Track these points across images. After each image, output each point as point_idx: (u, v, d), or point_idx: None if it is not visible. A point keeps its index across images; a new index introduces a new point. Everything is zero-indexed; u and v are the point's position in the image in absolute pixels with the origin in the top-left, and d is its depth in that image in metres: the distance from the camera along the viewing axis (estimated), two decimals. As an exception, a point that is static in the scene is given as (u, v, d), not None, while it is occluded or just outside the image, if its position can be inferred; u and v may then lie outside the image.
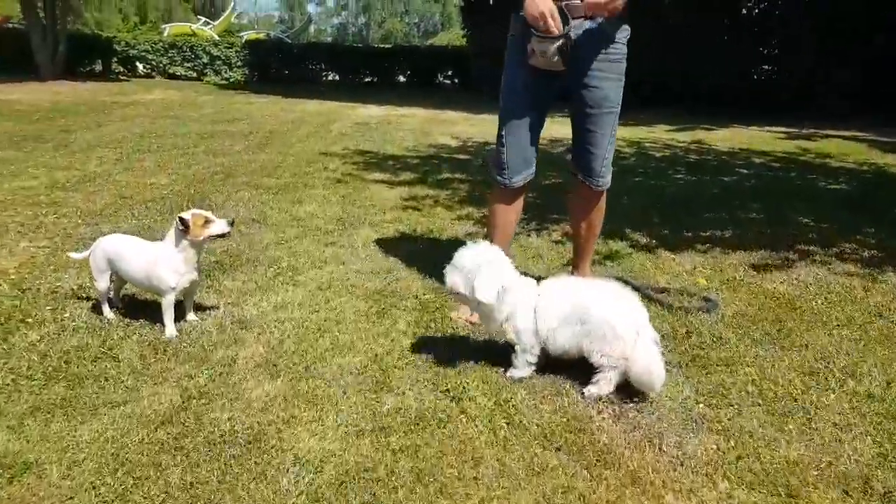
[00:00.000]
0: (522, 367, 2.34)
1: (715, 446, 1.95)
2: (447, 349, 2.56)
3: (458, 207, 4.88)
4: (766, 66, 14.07)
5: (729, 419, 2.09)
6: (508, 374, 2.35)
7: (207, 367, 2.40)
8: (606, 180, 2.92)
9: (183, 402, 2.17)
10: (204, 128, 8.75)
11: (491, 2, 15.96)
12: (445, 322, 2.81)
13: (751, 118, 11.05)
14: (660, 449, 1.93)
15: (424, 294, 3.12)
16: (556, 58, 2.55)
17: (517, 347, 2.33)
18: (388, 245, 3.89)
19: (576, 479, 1.80)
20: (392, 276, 3.37)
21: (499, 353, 2.45)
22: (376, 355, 2.52)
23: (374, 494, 1.74)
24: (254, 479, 1.79)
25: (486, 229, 3.16)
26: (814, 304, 3.08)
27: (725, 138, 9.25)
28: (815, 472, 1.84)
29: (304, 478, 1.79)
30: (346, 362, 2.46)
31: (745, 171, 6.78)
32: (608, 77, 2.72)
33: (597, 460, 1.88)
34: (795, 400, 2.21)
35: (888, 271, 3.52)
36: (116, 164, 6.09)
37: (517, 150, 2.84)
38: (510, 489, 1.77)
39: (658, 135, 9.32)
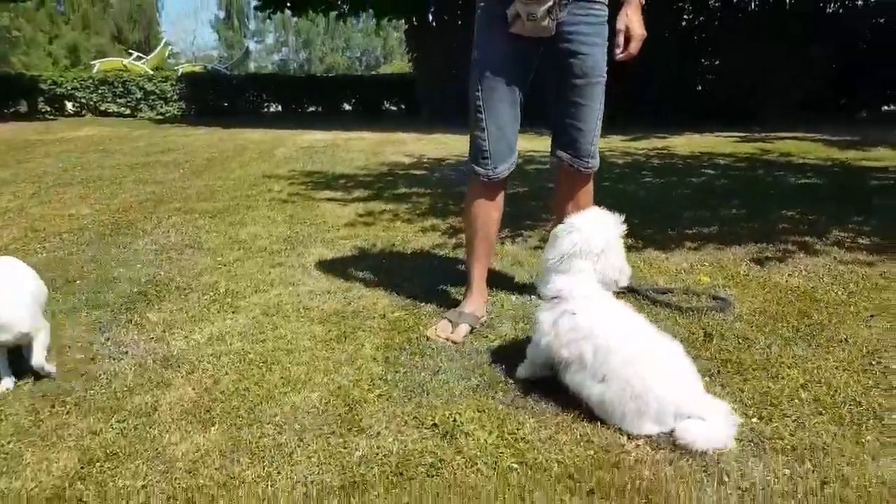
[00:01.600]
0: (528, 364, 2.00)
1: (788, 471, 1.51)
2: (428, 375, 2.08)
3: (420, 220, 4.41)
4: (710, 76, 14.14)
5: (791, 434, 1.66)
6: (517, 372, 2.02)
7: (119, 418, 1.86)
8: (597, 161, 2.54)
9: (81, 468, 1.62)
10: (135, 159, 8.08)
11: (434, 24, 15.80)
12: (422, 342, 2.33)
13: (697, 127, 10.96)
14: (720, 482, 1.48)
15: (393, 312, 2.64)
16: (546, 20, 2.20)
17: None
18: (344, 262, 3.40)
19: (621, 533, 1.34)
20: (352, 294, 2.88)
21: (495, 375, 2.00)
22: (339, 388, 2.02)
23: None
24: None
25: (464, 232, 2.69)
26: (834, 295, 2.71)
27: (683, 144, 9.06)
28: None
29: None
30: (302, 400, 1.95)
31: (711, 171, 6.52)
32: (595, 42, 2.35)
33: (644, 504, 1.43)
34: (860, 404, 1.80)
35: (899, 256, 3.21)
36: (32, 198, 5.42)
37: (500, 135, 2.41)
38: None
39: (614, 144, 9.06)
